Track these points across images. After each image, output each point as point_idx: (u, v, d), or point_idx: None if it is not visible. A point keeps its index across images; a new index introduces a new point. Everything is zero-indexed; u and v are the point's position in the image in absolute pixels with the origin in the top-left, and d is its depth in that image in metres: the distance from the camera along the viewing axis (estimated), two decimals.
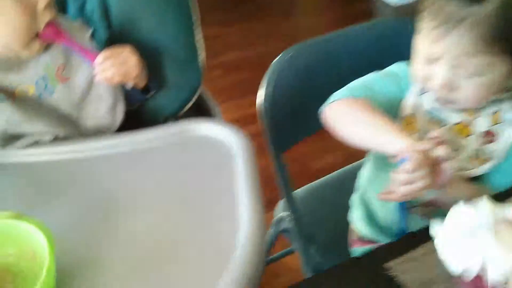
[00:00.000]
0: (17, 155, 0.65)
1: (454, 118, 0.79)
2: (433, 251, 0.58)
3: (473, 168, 0.78)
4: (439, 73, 0.71)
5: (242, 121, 1.87)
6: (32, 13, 0.61)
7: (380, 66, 0.94)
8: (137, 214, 0.59)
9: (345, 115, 0.76)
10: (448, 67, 0.70)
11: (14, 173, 0.64)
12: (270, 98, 0.90)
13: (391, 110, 0.77)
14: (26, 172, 0.64)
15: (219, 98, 1.71)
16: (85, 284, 0.51)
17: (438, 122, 0.79)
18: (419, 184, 0.61)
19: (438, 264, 0.57)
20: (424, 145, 0.63)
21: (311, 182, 1.16)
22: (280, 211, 1.05)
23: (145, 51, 0.74)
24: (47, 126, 0.66)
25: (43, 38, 0.63)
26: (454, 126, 0.79)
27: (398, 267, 0.61)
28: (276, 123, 0.93)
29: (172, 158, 0.66)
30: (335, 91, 1.02)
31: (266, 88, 0.90)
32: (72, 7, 0.76)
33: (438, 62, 0.71)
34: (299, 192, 1.08)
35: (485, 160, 0.79)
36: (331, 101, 0.78)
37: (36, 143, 0.67)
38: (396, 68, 0.84)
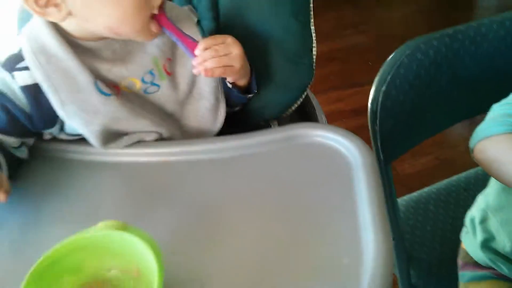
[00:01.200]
0: (118, 154, 0.61)
1: None
2: None
3: None
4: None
5: (335, 116, 1.77)
6: None
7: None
8: (243, 227, 0.53)
9: (500, 156, 0.63)
10: None
11: (114, 174, 0.60)
12: (383, 100, 0.80)
13: None
14: (127, 173, 0.60)
15: None
16: None
17: None
18: None
19: None
20: None
21: (403, 187, 1.05)
22: None
23: (253, 44, 0.67)
24: (151, 124, 0.61)
25: (159, 22, 0.58)
26: None
27: None
28: (388, 128, 0.83)
29: (281, 167, 0.59)
30: (457, 94, 0.90)
31: (377, 90, 0.80)
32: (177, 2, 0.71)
33: None
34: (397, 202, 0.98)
35: None
36: (478, 139, 0.66)
37: (138, 143, 0.62)
38: None
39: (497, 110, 0.67)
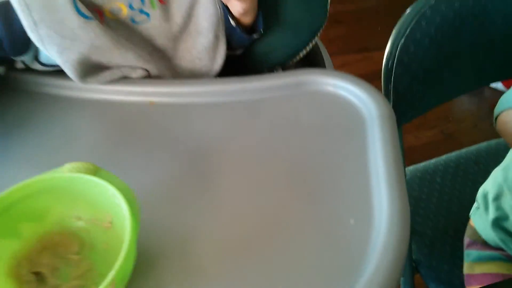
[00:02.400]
0: (98, 90, 0.53)
1: None
2: None
3: None
4: None
5: None
6: None
7: None
8: (241, 179, 0.46)
9: None
10: None
11: (92, 113, 0.52)
12: (400, 55, 0.72)
13: None
14: (107, 113, 0.52)
15: None
16: (170, 268, 0.38)
17: None
18: None
19: None
20: None
21: (406, 159, 0.99)
22: None
23: None
24: (138, 59, 0.53)
25: None
26: None
27: None
28: (403, 87, 0.75)
29: (287, 116, 0.51)
30: (482, 55, 0.83)
31: (394, 44, 0.72)
32: None
33: None
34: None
35: None
36: (499, 111, 0.62)
37: (122, 79, 0.54)
38: None
39: None
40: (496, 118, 0.63)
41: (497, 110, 0.62)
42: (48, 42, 0.49)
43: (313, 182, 0.45)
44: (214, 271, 0.38)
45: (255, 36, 0.60)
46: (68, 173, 0.37)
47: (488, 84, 0.90)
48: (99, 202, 0.38)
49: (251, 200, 0.44)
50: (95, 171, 0.37)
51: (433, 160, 0.97)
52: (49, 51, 0.50)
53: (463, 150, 0.99)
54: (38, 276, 0.37)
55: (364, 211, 0.41)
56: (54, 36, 0.49)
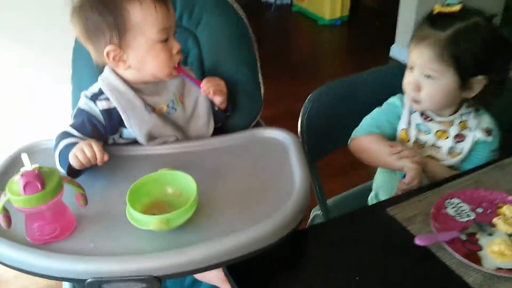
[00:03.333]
0: (154, 149, 1.06)
1: (435, 127, 1.17)
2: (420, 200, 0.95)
3: (449, 160, 1.16)
4: (411, 77, 1.10)
5: None
6: (170, 55, 1.02)
7: (385, 99, 1.34)
8: (226, 177, 0.97)
9: (364, 148, 1.19)
10: (418, 72, 1.09)
11: (151, 159, 1.03)
12: (307, 121, 1.30)
13: (393, 129, 1.18)
14: (159, 159, 1.03)
15: None
16: (200, 211, 0.88)
17: (424, 131, 1.17)
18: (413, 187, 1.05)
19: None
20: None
21: None
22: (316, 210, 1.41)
23: (227, 84, 1.15)
24: (172, 131, 1.06)
25: (177, 70, 1.05)
26: (436, 132, 1.16)
27: (395, 209, 0.96)
28: (311, 138, 1.31)
29: (247, 149, 1.05)
30: (352, 118, 1.41)
31: (303, 115, 1.30)
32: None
33: (413, 70, 1.10)
34: (331, 201, 1.44)
35: (458, 154, 1.16)
36: (352, 137, 1.22)
37: (164, 142, 1.07)
38: (393, 99, 1.23)
39: (364, 121, 1.19)
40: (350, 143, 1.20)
41: (350, 139, 1.19)
42: (133, 124, 1.01)
43: (263, 177, 0.97)
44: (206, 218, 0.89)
45: (227, 113, 1.15)
46: (161, 171, 0.88)
47: None
48: (174, 184, 0.88)
49: (231, 187, 0.95)
50: (173, 170, 0.88)
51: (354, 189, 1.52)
52: (133, 128, 1.02)
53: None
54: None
55: (289, 184, 0.93)
56: (136, 121, 1.01)
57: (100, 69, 1.08)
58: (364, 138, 1.18)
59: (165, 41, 1.01)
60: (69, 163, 0.93)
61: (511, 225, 0.92)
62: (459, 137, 1.16)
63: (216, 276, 1.05)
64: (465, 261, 0.83)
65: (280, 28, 4.62)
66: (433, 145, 1.16)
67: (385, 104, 1.24)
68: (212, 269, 0.81)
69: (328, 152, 1.39)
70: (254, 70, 1.22)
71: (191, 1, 1.20)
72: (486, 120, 1.19)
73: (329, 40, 4.28)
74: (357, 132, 1.21)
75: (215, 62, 1.20)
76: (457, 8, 1.06)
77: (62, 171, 0.95)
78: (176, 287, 1.13)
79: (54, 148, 0.98)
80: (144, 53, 1.00)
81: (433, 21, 1.08)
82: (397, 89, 1.41)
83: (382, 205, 0.99)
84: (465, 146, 1.15)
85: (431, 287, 0.82)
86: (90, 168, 0.96)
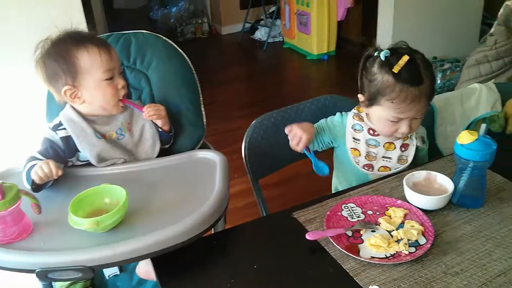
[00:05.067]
0: (105, 169, 1.28)
1: (383, 140, 1.37)
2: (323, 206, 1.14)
3: (400, 167, 1.34)
4: (404, 127, 1.30)
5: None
6: (115, 90, 1.26)
7: None
8: (160, 190, 1.19)
9: None
10: (409, 122, 1.29)
11: (103, 178, 1.25)
12: (248, 145, 1.51)
13: (325, 133, 1.42)
14: (109, 177, 1.25)
15: (236, 173, 2.31)
16: (134, 216, 1.09)
17: (374, 145, 1.37)
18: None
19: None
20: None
21: None
22: None
23: (173, 115, 1.38)
24: (121, 154, 1.29)
25: (122, 101, 1.28)
26: (384, 144, 1.36)
27: (300, 213, 1.16)
28: (252, 160, 1.52)
29: (183, 168, 1.27)
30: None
31: (245, 140, 1.51)
32: (134, 97, 1.43)
33: (401, 121, 1.30)
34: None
35: (405, 161, 1.36)
36: None
37: (113, 164, 1.29)
38: (334, 116, 1.45)
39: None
40: None
41: None
42: (84, 149, 1.24)
43: (194, 186, 1.18)
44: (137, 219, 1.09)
45: (171, 134, 1.37)
46: (102, 185, 1.10)
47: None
48: (113, 195, 1.09)
49: (160, 198, 1.16)
50: (111, 185, 1.10)
51: None
52: (85, 152, 1.24)
53: None
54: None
55: (209, 192, 1.14)
56: (87, 146, 1.24)
57: (64, 107, 1.32)
58: None
59: (111, 79, 1.25)
60: (32, 179, 1.15)
61: (392, 224, 1.10)
62: (404, 147, 1.38)
63: None
64: (344, 251, 1.02)
65: (272, 64, 4.90)
66: (383, 156, 1.36)
67: (330, 118, 1.46)
68: (137, 261, 1.02)
69: (270, 171, 1.59)
70: (196, 104, 1.45)
71: (143, 47, 1.45)
72: (421, 130, 1.43)
73: (317, 73, 4.54)
74: None
75: (164, 98, 1.43)
76: (406, 57, 1.23)
77: (28, 186, 1.18)
78: (125, 286, 1.33)
79: (23, 169, 1.21)
80: (93, 90, 1.24)
81: (405, 79, 1.22)
82: (327, 115, 1.63)
83: (289, 210, 1.18)
84: (410, 153, 1.37)
85: (317, 271, 1.00)
86: (51, 184, 1.19)
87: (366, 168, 1.37)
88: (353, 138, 1.38)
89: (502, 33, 2.47)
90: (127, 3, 6.74)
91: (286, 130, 1.33)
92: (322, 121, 1.45)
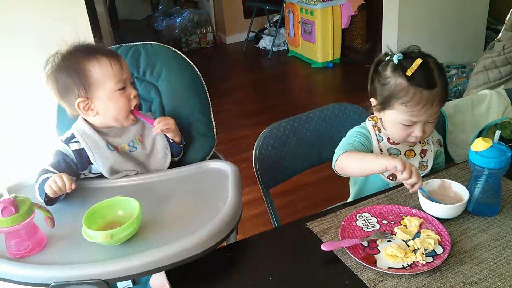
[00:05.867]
0: (117, 181, 1.28)
1: (403, 149, 1.36)
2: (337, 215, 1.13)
3: (421, 173, 1.33)
4: (417, 131, 1.28)
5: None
6: (128, 99, 1.26)
7: (328, 134, 1.54)
8: (172, 201, 1.19)
9: (347, 163, 1.29)
10: (422, 125, 1.27)
11: (116, 190, 1.25)
12: (259, 155, 1.50)
13: (366, 150, 1.34)
14: (122, 189, 1.25)
15: (245, 182, 2.32)
16: (148, 228, 1.08)
17: (395, 154, 1.36)
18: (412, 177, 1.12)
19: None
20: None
21: None
22: None
23: (184, 126, 1.38)
24: (133, 166, 1.28)
25: (134, 113, 1.28)
26: (405, 153, 1.36)
27: (314, 223, 1.15)
28: (262, 170, 1.51)
29: (195, 179, 1.26)
30: (302, 150, 1.60)
31: (256, 150, 1.51)
32: (144, 108, 1.43)
33: (415, 125, 1.28)
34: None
35: (425, 167, 1.36)
36: (335, 158, 1.30)
37: (126, 176, 1.28)
38: (359, 128, 1.40)
39: (339, 147, 1.36)
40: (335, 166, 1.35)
41: (333, 162, 1.34)
42: (98, 161, 1.24)
43: (208, 197, 1.18)
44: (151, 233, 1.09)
45: (182, 145, 1.36)
46: (115, 198, 1.09)
47: (312, 166, 1.66)
48: (126, 208, 1.09)
49: (175, 208, 1.16)
50: (124, 196, 1.09)
51: None
52: (98, 164, 1.24)
53: None
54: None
55: (222, 203, 1.13)
56: (100, 158, 1.24)
57: (75, 119, 1.32)
58: (345, 155, 1.30)
59: (123, 89, 1.25)
60: (45, 192, 1.15)
61: (408, 233, 1.09)
62: (423, 152, 1.37)
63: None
64: (361, 262, 1.01)
65: (277, 72, 4.92)
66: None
67: (353, 132, 1.40)
68: (151, 273, 1.01)
69: (281, 181, 1.58)
70: (207, 114, 1.45)
71: (153, 59, 1.46)
72: (435, 133, 1.43)
73: (323, 81, 4.55)
74: (336, 155, 1.32)
75: (174, 109, 1.43)
76: (419, 60, 1.22)
77: (40, 200, 1.17)
78: None
79: (35, 182, 1.21)
80: (107, 101, 1.24)
81: (418, 82, 1.21)
82: (337, 124, 1.63)
83: (302, 220, 1.17)
84: (429, 159, 1.37)
85: (333, 283, 0.99)
86: (64, 197, 1.18)
87: (390, 178, 1.36)
88: (380, 149, 1.36)
89: (510, 38, 2.46)
90: (131, 14, 6.79)
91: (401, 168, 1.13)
92: (359, 139, 1.35)
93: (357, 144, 1.33)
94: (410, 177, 1.12)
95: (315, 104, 1.66)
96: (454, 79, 3.49)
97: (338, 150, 1.33)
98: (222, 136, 3.33)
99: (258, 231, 1.17)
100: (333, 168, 1.34)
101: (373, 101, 1.34)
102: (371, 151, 1.36)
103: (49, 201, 1.17)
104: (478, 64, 2.63)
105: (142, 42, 1.50)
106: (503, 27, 2.54)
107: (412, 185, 1.13)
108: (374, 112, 1.37)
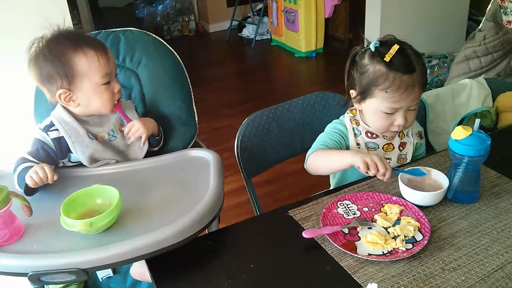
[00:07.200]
0: (97, 170, 1.26)
1: (381, 142, 1.35)
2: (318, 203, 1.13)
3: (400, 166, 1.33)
4: (399, 119, 1.28)
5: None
6: (112, 94, 1.23)
7: (311, 123, 1.53)
8: (153, 189, 1.18)
9: (315, 162, 1.31)
10: (404, 113, 1.26)
11: (96, 178, 1.23)
12: (241, 144, 1.49)
13: (341, 147, 1.34)
14: (101, 178, 1.23)
15: (228, 171, 2.30)
16: (128, 216, 1.07)
17: (373, 148, 1.35)
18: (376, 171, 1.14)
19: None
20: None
21: None
22: None
23: (165, 115, 1.36)
24: (113, 155, 1.26)
25: (116, 109, 1.26)
26: (383, 146, 1.35)
27: (295, 211, 1.15)
28: (245, 158, 1.50)
29: (176, 167, 1.25)
30: (284, 138, 1.59)
31: (238, 138, 1.50)
32: (124, 95, 1.41)
33: (397, 112, 1.27)
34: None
35: (404, 160, 1.35)
36: (306, 159, 1.33)
37: (106, 164, 1.26)
38: (335, 123, 1.39)
39: (313, 145, 1.35)
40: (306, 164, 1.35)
41: (305, 160, 1.34)
42: (77, 149, 1.22)
43: (189, 185, 1.17)
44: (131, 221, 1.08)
45: (157, 138, 1.34)
46: (95, 186, 1.07)
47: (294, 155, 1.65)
48: (105, 196, 1.07)
49: (160, 193, 1.15)
50: (103, 185, 1.08)
51: None
52: (77, 153, 1.22)
53: None
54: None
55: (204, 192, 1.12)
56: (80, 147, 1.22)
57: (54, 106, 1.29)
58: (313, 155, 1.32)
59: (108, 83, 1.22)
60: (26, 183, 1.12)
61: (388, 220, 1.10)
62: (402, 145, 1.37)
63: None
64: (341, 249, 1.01)
65: (261, 61, 4.90)
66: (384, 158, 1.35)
67: (329, 129, 1.40)
68: (131, 262, 1.00)
69: (263, 170, 1.58)
70: (188, 102, 1.44)
71: (132, 45, 1.43)
72: (416, 125, 1.42)
73: (306, 70, 4.55)
74: (308, 154, 1.34)
75: (154, 97, 1.41)
76: (396, 46, 1.22)
77: (19, 189, 1.15)
78: (119, 287, 1.31)
79: (13, 171, 1.18)
80: (90, 94, 1.21)
81: (397, 67, 1.21)
82: (320, 112, 1.63)
83: (284, 207, 1.17)
84: (408, 151, 1.37)
85: (314, 270, 0.99)
86: (44, 186, 1.16)
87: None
88: (357, 143, 1.36)
89: (491, 28, 2.49)
90: (112, 1, 6.68)
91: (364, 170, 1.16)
92: (334, 136, 1.35)
93: (330, 143, 1.33)
94: (378, 171, 1.13)
95: (298, 93, 1.66)
96: (436, 69, 3.52)
97: (310, 149, 1.34)
98: (205, 125, 3.35)
99: (240, 220, 1.16)
100: (305, 168, 1.35)
101: (353, 93, 1.33)
102: (347, 148, 1.36)
103: (29, 191, 1.14)
104: (459, 54, 2.66)
105: (122, 28, 1.47)
106: (484, 18, 2.57)
107: (383, 175, 1.14)
108: (354, 104, 1.36)
